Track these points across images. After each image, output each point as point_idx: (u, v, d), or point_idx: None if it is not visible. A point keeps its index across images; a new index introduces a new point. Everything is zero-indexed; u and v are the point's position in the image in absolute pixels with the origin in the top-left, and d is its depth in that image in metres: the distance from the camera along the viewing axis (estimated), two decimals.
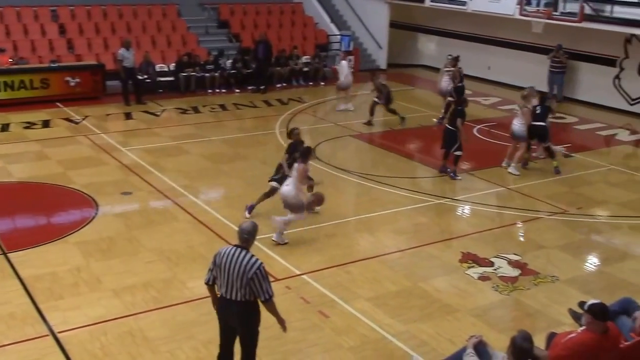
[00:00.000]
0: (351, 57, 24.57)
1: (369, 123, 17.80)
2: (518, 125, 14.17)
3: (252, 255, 6.34)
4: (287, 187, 10.47)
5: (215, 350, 6.98)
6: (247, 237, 6.41)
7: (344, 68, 19.52)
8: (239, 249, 6.36)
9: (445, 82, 18.24)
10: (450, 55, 18.95)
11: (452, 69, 18.15)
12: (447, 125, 14.04)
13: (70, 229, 10.88)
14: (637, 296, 8.39)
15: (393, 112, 17.87)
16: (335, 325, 8.32)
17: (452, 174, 13.96)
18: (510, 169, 14.31)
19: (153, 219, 11.45)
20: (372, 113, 17.79)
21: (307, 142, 16.37)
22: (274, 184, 11.45)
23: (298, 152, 10.98)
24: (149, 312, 8.51)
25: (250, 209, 11.51)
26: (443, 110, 17.34)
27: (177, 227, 11.14)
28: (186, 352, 7.68)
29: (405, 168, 14.83)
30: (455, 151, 13.82)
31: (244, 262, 6.25)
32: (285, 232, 10.58)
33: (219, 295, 6.54)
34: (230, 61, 21.64)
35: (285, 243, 10.54)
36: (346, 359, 7.66)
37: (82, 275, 9.38)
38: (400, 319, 8.53)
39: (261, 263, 6.31)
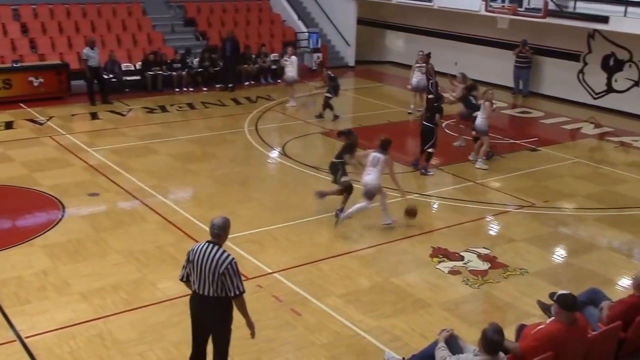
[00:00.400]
0: (319, 55, 24.64)
1: (320, 116, 18.02)
2: (480, 119, 14.31)
3: (224, 251, 6.33)
4: (370, 176, 11.02)
5: (187, 351, 6.92)
6: (218, 233, 6.39)
7: (294, 63, 19.66)
8: (211, 245, 6.35)
9: (417, 78, 18.40)
10: (421, 51, 19.09)
11: (423, 64, 18.32)
12: (424, 122, 14.08)
13: (36, 232, 10.71)
14: (604, 286, 8.54)
15: (330, 106, 17.94)
16: (307, 323, 8.32)
17: (423, 170, 14.02)
18: (477, 164, 14.42)
19: (121, 220, 11.32)
20: (324, 108, 18.02)
21: (277, 140, 16.40)
22: (346, 178, 11.60)
23: (349, 151, 11.65)
24: (119, 315, 8.42)
25: (341, 212, 11.30)
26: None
27: (145, 227, 11.04)
28: (157, 353, 7.61)
29: None
30: (428, 148, 13.89)
31: (216, 258, 6.24)
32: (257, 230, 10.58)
33: (192, 291, 6.51)
34: (197, 59, 21.50)
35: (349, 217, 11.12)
36: (319, 356, 7.66)
37: (49, 278, 9.24)
38: (372, 315, 8.55)
39: (233, 258, 6.29)
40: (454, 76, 17.38)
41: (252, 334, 6.64)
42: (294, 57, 19.72)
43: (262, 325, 8.09)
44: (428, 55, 18.35)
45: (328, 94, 17.92)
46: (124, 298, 8.79)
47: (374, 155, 11.11)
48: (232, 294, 6.29)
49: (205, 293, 6.34)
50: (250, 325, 6.57)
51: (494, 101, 14.88)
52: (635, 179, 14.27)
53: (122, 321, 8.26)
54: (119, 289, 9.02)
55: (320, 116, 17.96)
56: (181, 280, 6.60)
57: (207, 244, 6.38)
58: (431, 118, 13.89)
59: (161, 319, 8.30)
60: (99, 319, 8.29)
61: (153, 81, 20.53)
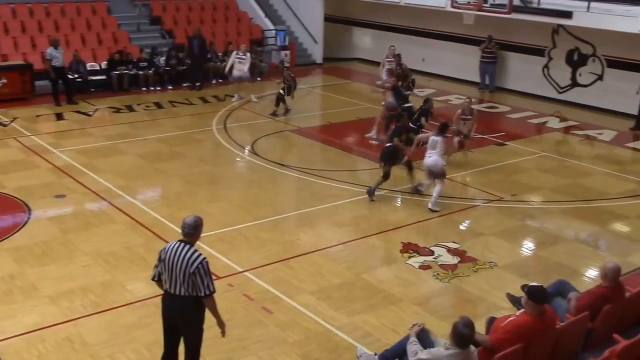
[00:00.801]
0: (287, 52, 24.61)
1: (274, 114, 18.14)
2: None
3: (196, 250, 6.29)
4: (432, 158, 11.86)
5: (158, 351, 6.88)
6: (189, 232, 6.35)
7: (248, 60, 19.73)
8: (182, 244, 6.31)
9: (384, 72, 18.58)
10: (392, 46, 19.36)
11: (393, 59, 18.59)
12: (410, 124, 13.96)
13: (1, 235, 10.52)
14: (571, 278, 8.69)
15: (282, 101, 18.08)
16: (279, 321, 8.31)
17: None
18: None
19: (89, 221, 11.19)
20: (277, 104, 18.20)
21: (246, 138, 16.35)
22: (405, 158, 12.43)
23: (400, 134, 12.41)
24: (88, 317, 8.32)
25: (372, 192, 12.25)
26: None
27: (114, 228, 10.93)
28: (128, 355, 7.55)
29: (344, 161, 14.90)
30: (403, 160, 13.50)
31: (187, 257, 6.21)
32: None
33: (164, 291, 6.48)
34: (163, 58, 21.33)
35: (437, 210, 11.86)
36: (291, 354, 7.66)
37: (16, 282, 9.09)
38: (343, 311, 8.57)
39: (204, 258, 6.26)
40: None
41: (223, 333, 6.61)
42: (249, 54, 19.76)
43: (234, 324, 8.08)
44: (399, 56, 18.44)
45: (282, 91, 18.01)
46: (93, 300, 8.70)
47: (433, 138, 12.00)
48: (203, 294, 6.26)
49: (177, 292, 6.31)
50: (220, 324, 6.53)
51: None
52: (600, 172, 14.50)
53: (92, 324, 8.17)
54: (87, 291, 8.92)
55: (274, 114, 18.05)
56: (153, 279, 6.56)
57: (178, 243, 6.34)
58: (417, 120, 14.36)
59: (131, 320, 8.23)
60: (67, 322, 8.19)
61: (119, 81, 20.31)
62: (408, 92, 16.56)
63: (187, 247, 6.29)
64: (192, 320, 6.47)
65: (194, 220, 6.38)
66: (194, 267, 6.18)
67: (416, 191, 12.61)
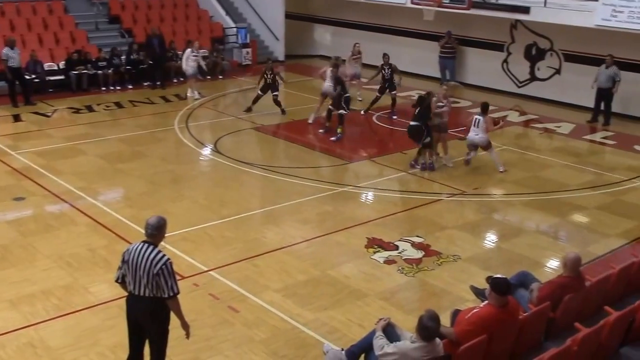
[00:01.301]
0: (248, 50, 24.53)
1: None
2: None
3: (160, 251, 6.25)
4: (479, 136, 13.75)
5: (123, 354, 6.82)
6: (153, 233, 6.30)
7: (185, 55, 19.75)
8: (146, 245, 6.26)
9: (352, 69, 18.83)
10: (357, 43, 19.66)
11: (359, 55, 19.02)
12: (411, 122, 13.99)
13: None
14: (533, 269, 8.81)
15: (257, 100, 18.07)
16: (245, 319, 8.29)
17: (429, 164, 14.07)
18: (444, 162, 14.31)
19: (50, 224, 11.03)
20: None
21: (208, 136, 16.26)
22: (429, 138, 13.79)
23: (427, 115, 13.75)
24: (51, 321, 8.20)
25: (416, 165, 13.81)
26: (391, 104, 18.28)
27: (75, 230, 10.78)
28: (92, 358, 7.46)
29: (308, 158, 14.91)
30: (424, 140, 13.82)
31: (151, 258, 6.16)
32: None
33: (128, 292, 6.43)
34: (124, 57, 21.08)
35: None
36: (258, 352, 7.64)
37: None
38: (310, 308, 8.58)
39: (168, 259, 6.22)
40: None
41: (187, 335, 6.57)
42: (202, 51, 19.73)
43: (200, 324, 8.05)
44: (387, 55, 18.37)
45: (260, 92, 18.00)
46: (55, 304, 8.57)
47: (476, 117, 13.78)
48: (167, 295, 6.22)
49: (141, 294, 6.26)
50: (185, 326, 6.49)
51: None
52: (560, 164, 14.74)
53: (54, 327, 8.06)
54: (49, 294, 8.79)
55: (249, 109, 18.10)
56: (117, 281, 6.50)
57: (142, 244, 6.29)
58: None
59: (95, 323, 8.13)
60: (29, 326, 8.06)
61: (78, 80, 20.01)
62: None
63: (151, 248, 6.24)
64: (157, 321, 6.42)
65: (157, 221, 6.33)
66: (157, 268, 6.14)
67: (427, 167, 13.96)
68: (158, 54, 20.80)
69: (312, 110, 17.41)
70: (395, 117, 17.92)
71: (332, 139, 15.76)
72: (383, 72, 18.03)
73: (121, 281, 6.45)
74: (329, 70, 16.93)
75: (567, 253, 7.60)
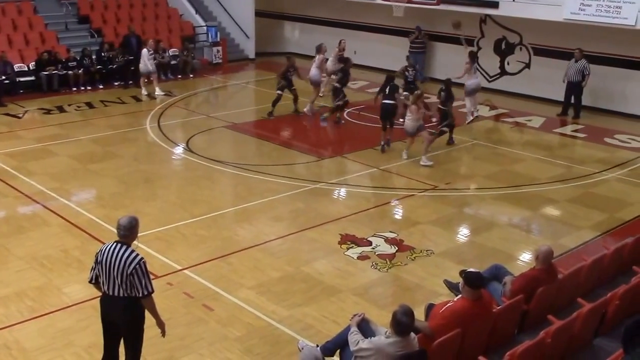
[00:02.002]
0: (219, 48, 24.44)
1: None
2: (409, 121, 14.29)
3: (133, 251, 6.24)
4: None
5: (98, 354, 6.79)
6: (125, 233, 6.28)
7: (144, 55, 19.50)
8: (119, 245, 6.26)
9: (335, 66, 18.64)
10: (343, 39, 19.66)
11: (343, 53, 18.86)
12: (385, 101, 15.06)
13: None
14: (506, 262, 8.92)
15: (277, 101, 17.64)
16: (220, 317, 8.28)
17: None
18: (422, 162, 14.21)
19: (22, 225, 10.91)
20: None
21: (180, 135, 16.19)
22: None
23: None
24: (25, 323, 8.13)
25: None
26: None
27: (48, 231, 10.68)
28: (67, 359, 7.42)
29: (280, 155, 14.91)
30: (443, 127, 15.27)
31: (124, 258, 6.16)
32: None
33: (102, 293, 6.41)
34: (94, 57, 20.89)
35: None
36: (233, 350, 7.65)
37: None
38: (284, 305, 8.60)
39: (142, 258, 6.22)
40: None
41: (163, 333, 6.58)
42: (144, 50, 19.61)
43: (174, 323, 8.02)
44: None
45: (280, 91, 17.50)
46: (29, 305, 8.50)
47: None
48: (141, 294, 6.21)
49: (115, 294, 6.25)
50: (160, 324, 6.50)
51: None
52: (531, 158, 14.90)
53: (29, 329, 7.99)
54: (23, 296, 8.71)
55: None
56: (90, 282, 6.49)
57: (115, 244, 6.28)
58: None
59: (69, 324, 8.08)
60: (3, 328, 7.98)
61: (48, 81, 19.78)
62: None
63: (124, 247, 6.23)
64: (132, 321, 6.40)
65: (128, 221, 6.31)
66: (131, 268, 6.13)
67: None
68: (136, 53, 20.65)
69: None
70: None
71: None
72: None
73: (95, 282, 6.43)
74: (317, 58, 17.58)
75: (540, 246, 7.71)
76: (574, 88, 18.06)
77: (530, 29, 19.95)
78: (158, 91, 19.64)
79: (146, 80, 19.77)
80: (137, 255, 6.22)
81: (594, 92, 18.58)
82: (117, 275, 6.18)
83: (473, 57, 16.89)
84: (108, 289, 6.29)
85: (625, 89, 18.62)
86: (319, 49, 18.15)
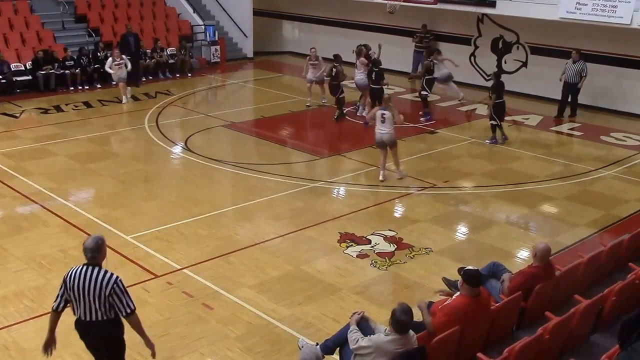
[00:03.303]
0: (217, 47, 24.43)
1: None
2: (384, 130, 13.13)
3: (106, 271, 5.97)
4: (387, 133, 12.88)
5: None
6: (93, 255, 5.99)
7: (108, 64, 18.94)
8: (90, 267, 5.96)
9: (310, 73, 18.31)
10: (313, 48, 18.80)
11: (317, 62, 18.20)
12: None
13: None
14: (504, 260, 8.94)
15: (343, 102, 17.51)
16: (220, 317, 8.31)
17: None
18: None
19: (20, 225, 10.92)
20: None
21: (179, 134, 16.20)
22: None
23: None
24: (23, 323, 8.15)
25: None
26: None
27: (47, 232, 10.69)
28: (66, 359, 7.42)
29: (279, 154, 14.93)
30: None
31: (99, 279, 5.89)
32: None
33: (76, 319, 6.11)
34: (91, 56, 20.87)
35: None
36: (233, 348, 7.67)
37: None
38: (284, 304, 8.62)
39: (117, 277, 5.96)
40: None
41: (153, 355, 6.31)
42: (124, 57, 19.00)
43: (174, 322, 8.07)
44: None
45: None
46: (28, 305, 8.51)
47: (381, 111, 12.79)
48: (124, 314, 5.98)
49: (93, 318, 6.00)
50: (149, 344, 6.25)
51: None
52: (528, 156, 14.93)
53: (27, 329, 8.01)
54: (22, 296, 8.73)
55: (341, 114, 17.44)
56: (56, 310, 6.11)
57: (85, 267, 5.98)
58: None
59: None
60: (2, 328, 8.01)
61: (45, 81, 19.79)
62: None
63: (97, 269, 5.96)
64: (112, 342, 6.17)
65: (94, 242, 6.02)
66: (109, 289, 5.88)
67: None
68: (134, 53, 20.65)
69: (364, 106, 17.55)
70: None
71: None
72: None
73: (62, 309, 6.11)
74: (358, 62, 17.40)
75: (537, 243, 7.73)
76: (571, 88, 17.96)
77: (527, 28, 19.99)
78: (125, 99, 18.85)
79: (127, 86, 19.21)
80: (112, 274, 5.96)
81: (590, 91, 18.60)
82: (93, 299, 5.90)
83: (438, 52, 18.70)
84: (84, 314, 6.00)
85: (621, 88, 18.67)
86: (360, 53, 17.69)
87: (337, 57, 17.37)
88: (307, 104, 18.64)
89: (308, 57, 18.62)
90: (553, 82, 18.60)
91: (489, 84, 21.06)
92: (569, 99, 18.26)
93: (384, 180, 12.96)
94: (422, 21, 21.99)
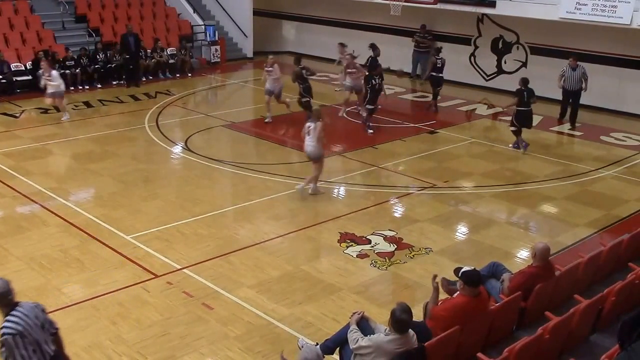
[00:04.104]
0: (217, 47, 24.44)
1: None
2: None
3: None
4: (311, 146, 12.01)
5: (97, 354, 6.85)
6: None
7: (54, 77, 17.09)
8: None
9: (267, 83, 17.21)
10: (271, 56, 17.99)
11: (271, 68, 17.21)
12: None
13: None
14: (504, 260, 8.94)
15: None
16: (220, 316, 8.31)
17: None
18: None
19: (20, 225, 10.92)
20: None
21: (179, 134, 16.20)
22: None
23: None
24: None
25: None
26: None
27: (47, 231, 10.70)
28: None
29: (279, 154, 14.93)
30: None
31: None
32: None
33: None
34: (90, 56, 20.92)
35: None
36: (233, 348, 7.67)
37: None
38: (284, 303, 8.63)
39: (4, 333, 5.33)
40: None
41: None
42: (54, 72, 17.26)
43: (174, 322, 8.07)
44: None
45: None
46: None
47: (308, 124, 12.08)
48: None
49: None
50: None
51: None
52: (528, 156, 14.93)
53: None
54: (22, 296, 8.58)
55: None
56: None
57: None
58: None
59: (68, 324, 8.07)
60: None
61: None
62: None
63: None
64: None
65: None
66: None
67: None
68: (134, 53, 20.66)
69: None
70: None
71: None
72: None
73: None
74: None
75: (536, 243, 7.74)
76: (573, 96, 17.33)
77: (527, 28, 20.00)
78: (65, 115, 17.21)
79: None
80: (2, 327, 5.33)
81: (590, 91, 18.55)
82: None
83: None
84: None
85: (621, 88, 18.67)
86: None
87: (299, 60, 17.20)
88: (266, 120, 17.07)
89: (265, 65, 17.54)
90: (553, 82, 18.57)
91: (489, 84, 21.28)
92: (569, 108, 17.57)
93: (316, 194, 12.28)
94: (421, 21, 21.99)
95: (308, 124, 12.11)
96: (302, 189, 12.19)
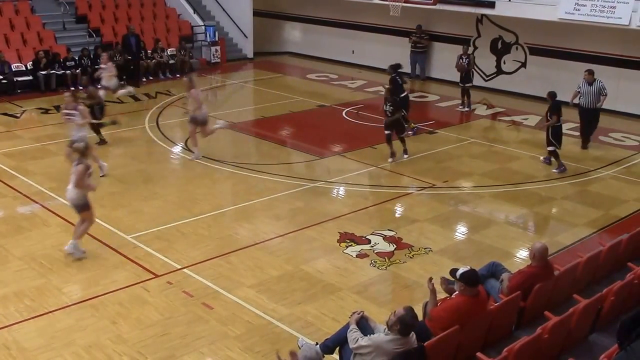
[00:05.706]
0: (217, 48, 24.46)
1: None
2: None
3: None
4: (70, 191, 9.70)
5: (97, 354, 6.85)
6: None
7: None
8: None
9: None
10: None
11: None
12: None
13: None
14: (503, 259, 8.96)
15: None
16: (220, 316, 8.33)
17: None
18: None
19: (21, 225, 10.94)
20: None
21: (179, 135, 16.21)
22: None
23: None
24: (24, 322, 8.16)
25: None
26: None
27: (47, 231, 10.72)
28: (67, 359, 7.45)
29: (279, 154, 14.95)
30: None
31: None
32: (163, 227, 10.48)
33: None
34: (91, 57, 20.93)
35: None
36: (233, 348, 7.69)
37: None
38: (284, 303, 8.65)
39: None
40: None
41: None
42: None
43: (174, 322, 8.09)
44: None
45: None
46: (28, 305, 8.53)
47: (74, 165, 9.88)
48: None
49: None
50: None
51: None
52: (527, 156, 14.95)
53: (28, 329, 8.02)
54: (22, 296, 8.75)
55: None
56: None
57: None
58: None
59: (69, 324, 8.12)
60: (2, 328, 8.01)
61: (46, 81, 19.82)
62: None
63: None
64: None
65: None
66: None
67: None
68: (135, 53, 20.67)
69: None
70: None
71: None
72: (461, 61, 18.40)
73: None
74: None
75: (534, 243, 7.77)
76: (590, 115, 15.51)
77: (526, 29, 20.02)
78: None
79: None
80: None
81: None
82: None
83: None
84: None
85: (620, 88, 18.67)
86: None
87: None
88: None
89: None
90: (552, 82, 18.60)
91: (489, 84, 21.30)
92: (587, 127, 15.69)
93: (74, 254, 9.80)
94: (419, 22, 22.02)
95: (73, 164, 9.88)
96: (75, 247, 9.73)
